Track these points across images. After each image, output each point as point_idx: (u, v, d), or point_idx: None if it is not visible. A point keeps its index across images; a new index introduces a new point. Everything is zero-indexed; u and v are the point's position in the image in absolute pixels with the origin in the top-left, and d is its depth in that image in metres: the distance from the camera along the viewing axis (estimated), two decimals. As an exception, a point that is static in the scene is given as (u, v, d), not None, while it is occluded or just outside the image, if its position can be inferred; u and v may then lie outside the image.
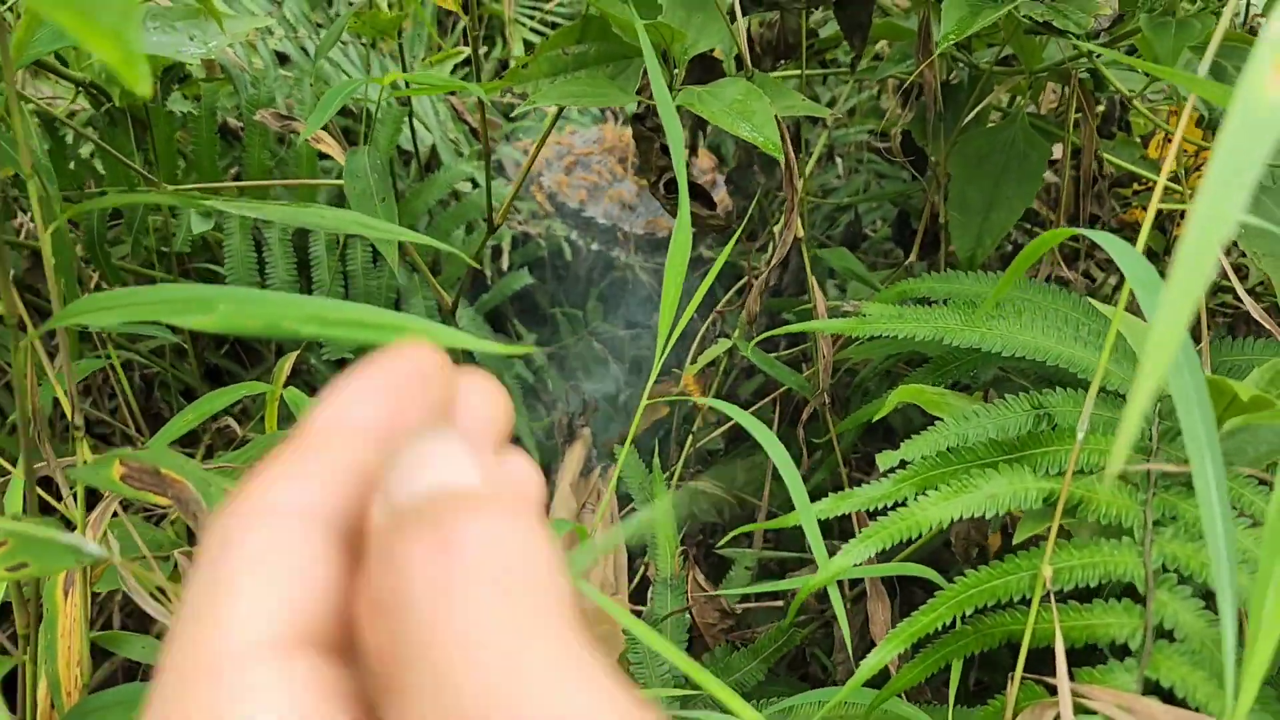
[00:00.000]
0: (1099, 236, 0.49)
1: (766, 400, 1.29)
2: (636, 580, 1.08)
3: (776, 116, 0.76)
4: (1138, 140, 1.25)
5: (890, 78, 1.33)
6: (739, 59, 0.95)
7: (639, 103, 0.89)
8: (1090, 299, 0.66)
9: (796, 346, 1.30)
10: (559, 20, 2.03)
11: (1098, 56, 0.81)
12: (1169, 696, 0.46)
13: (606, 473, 1.40)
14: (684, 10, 0.86)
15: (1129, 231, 1.18)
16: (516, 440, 1.59)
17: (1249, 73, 0.26)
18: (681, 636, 0.86)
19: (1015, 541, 0.54)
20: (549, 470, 1.52)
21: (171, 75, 1.14)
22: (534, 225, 1.78)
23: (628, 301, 1.78)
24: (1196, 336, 0.75)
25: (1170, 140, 0.82)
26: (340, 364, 1.24)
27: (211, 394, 0.77)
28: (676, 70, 0.84)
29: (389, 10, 1.05)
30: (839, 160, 1.77)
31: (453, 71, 1.58)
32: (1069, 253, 1.26)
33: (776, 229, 1.02)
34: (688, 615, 0.88)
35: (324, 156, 1.20)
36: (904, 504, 0.55)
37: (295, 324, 0.39)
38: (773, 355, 1.16)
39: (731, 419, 1.31)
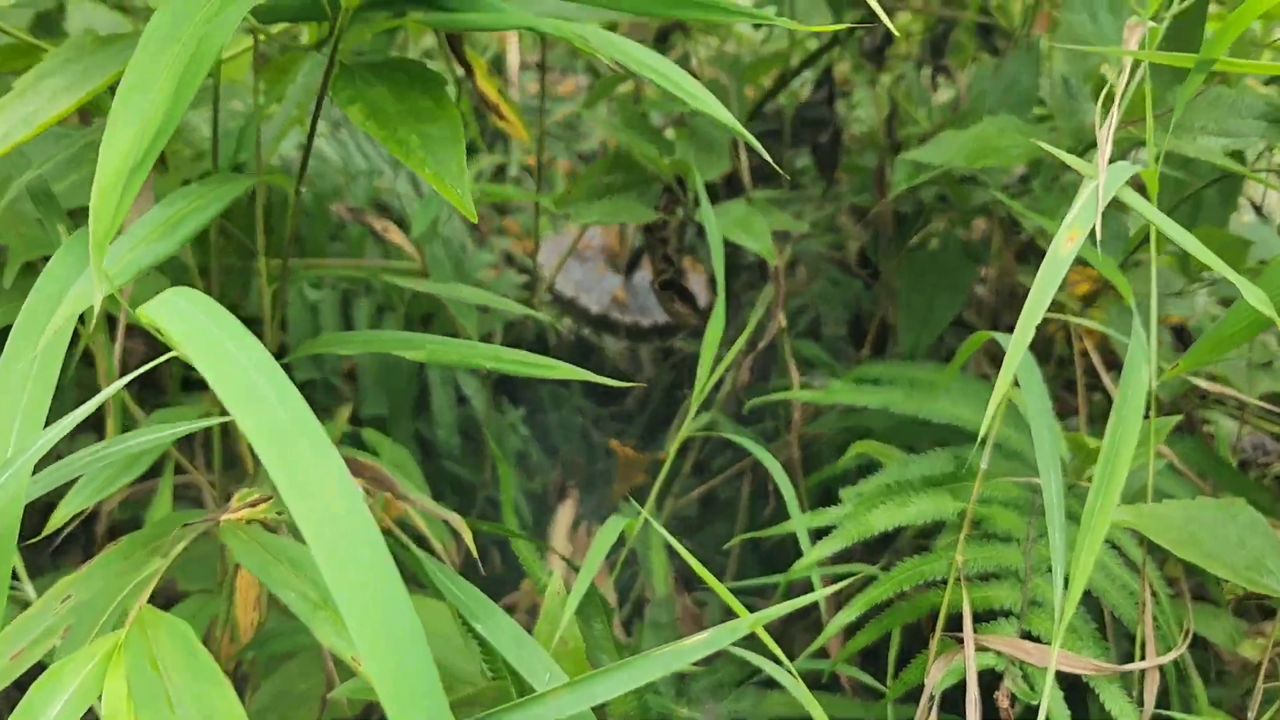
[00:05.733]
0: (1000, 337, 0.72)
1: (734, 470, 1.52)
2: (627, 611, 1.28)
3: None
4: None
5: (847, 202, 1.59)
6: (729, 182, 1.20)
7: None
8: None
9: (761, 422, 1.52)
10: (555, 130, 2.29)
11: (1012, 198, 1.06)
12: (1037, 642, 0.67)
13: (593, 528, 1.60)
14: (694, 148, 1.10)
15: (1040, 338, 1.42)
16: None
17: (1058, 237, 0.49)
18: (673, 645, 1.05)
19: (937, 546, 0.76)
20: (541, 530, 1.72)
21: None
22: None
23: (606, 386, 1.99)
24: (1082, 415, 0.99)
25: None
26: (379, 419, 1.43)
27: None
28: (690, 194, 1.08)
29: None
30: (800, 269, 2.02)
31: (476, 179, 1.82)
32: (995, 355, 1.51)
33: (752, 318, 1.25)
34: (678, 628, 1.08)
35: (377, 240, 1.42)
36: (860, 518, 0.77)
37: (482, 359, 0.60)
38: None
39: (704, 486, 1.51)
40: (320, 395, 1.47)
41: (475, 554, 0.60)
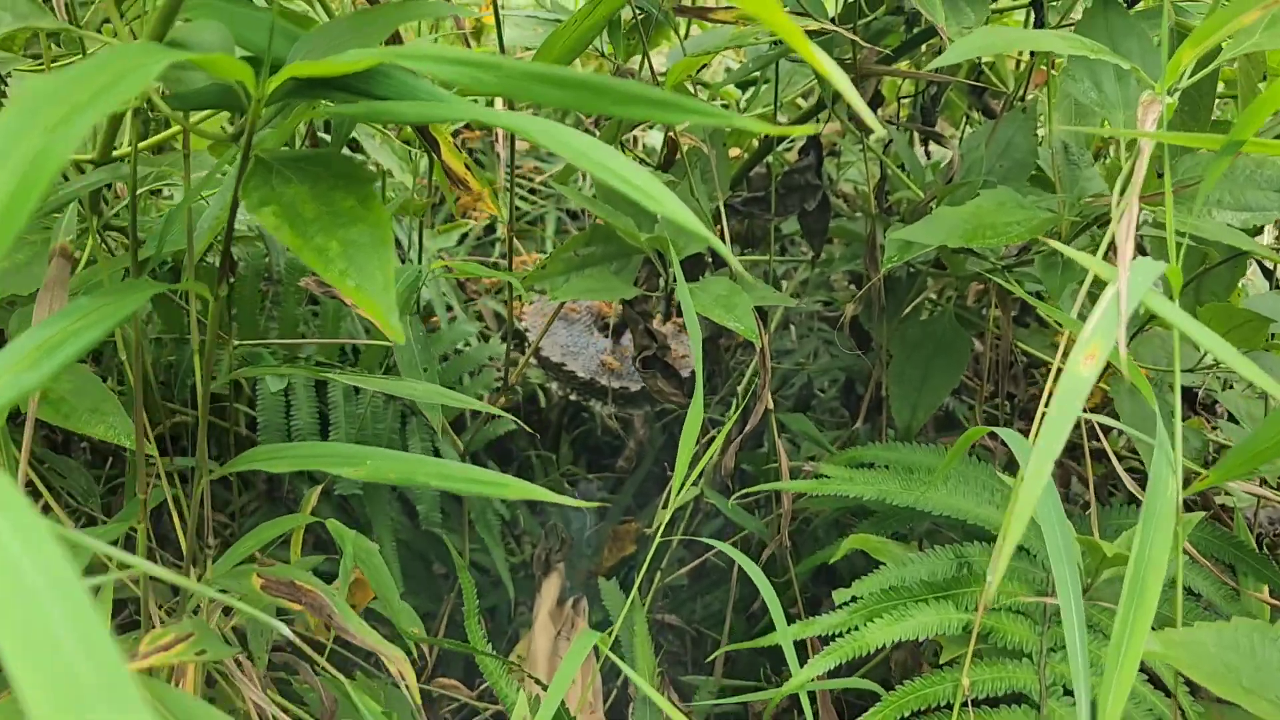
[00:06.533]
0: (1005, 434, 0.66)
1: (726, 543, 1.44)
2: (610, 700, 1.21)
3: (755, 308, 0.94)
4: (1054, 325, 1.46)
5: (839, 268, 1.54)
6: (714, 250, 1.14)
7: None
8: (1000, 474, 0.83)
9: (751, 495, 1.46)
10: (542, 187, 2.25)
11: (1006, 271, 1.01)
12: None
13: (579, 603, 1.52)
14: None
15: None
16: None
17: (1074, 355, 0.43)
18: (658, 749, 0.98)
19: (941, 661, 0.69)
20: (526, 601, 1.65)
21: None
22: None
23: (597, 448, 1.93)
24: (1093, 501, 0.93)
25: (1067, 336, 1.02)
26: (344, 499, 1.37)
27: (267, 524, 0.91)
28: (670, 269, 1.02)
29: (417, 197, 1.24)
30: (792, 328, 1.97)
31: (461, 240, 1.77)
32: (992, 420, 1.45)
33: (740, 387, 1.19)
34: (663, 732, 1.00)
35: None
36: (855, 629, 0.70)
37: (426, 477, 0.54)
38: (731, 501, 1.32)
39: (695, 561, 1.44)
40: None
41: (417, 700, 0.53)
